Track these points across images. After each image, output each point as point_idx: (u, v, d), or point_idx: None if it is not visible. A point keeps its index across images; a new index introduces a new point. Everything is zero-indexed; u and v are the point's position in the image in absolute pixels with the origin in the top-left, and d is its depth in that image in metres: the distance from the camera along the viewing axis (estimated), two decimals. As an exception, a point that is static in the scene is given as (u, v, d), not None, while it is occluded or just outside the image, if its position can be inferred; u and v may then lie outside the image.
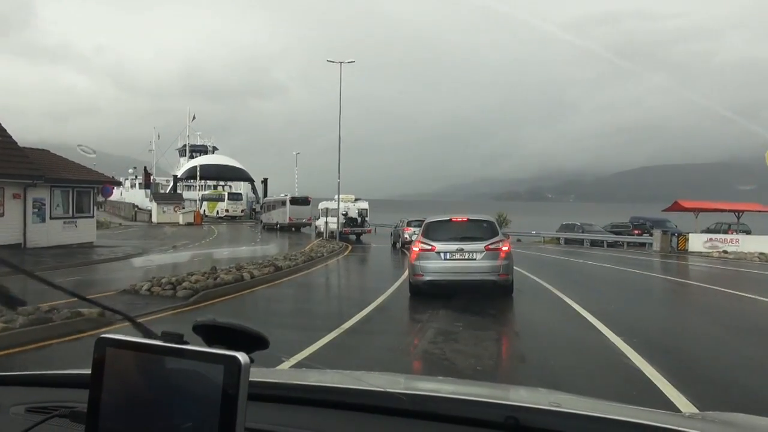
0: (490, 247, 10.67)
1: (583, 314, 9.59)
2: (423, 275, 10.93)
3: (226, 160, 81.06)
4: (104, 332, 0.95)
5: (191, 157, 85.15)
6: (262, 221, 53.65)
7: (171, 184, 77.53)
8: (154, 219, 63.18)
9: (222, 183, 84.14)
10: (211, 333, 0.92)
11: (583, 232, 36.93)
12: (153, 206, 65.76)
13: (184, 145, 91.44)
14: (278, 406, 1.30)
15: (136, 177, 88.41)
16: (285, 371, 2.15)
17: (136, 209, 72.77)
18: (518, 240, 41.54)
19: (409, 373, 6.02)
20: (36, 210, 23.64)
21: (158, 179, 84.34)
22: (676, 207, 32.95)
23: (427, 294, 11.39)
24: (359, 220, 33.14)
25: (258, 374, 1.00)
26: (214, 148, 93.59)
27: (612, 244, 35.10)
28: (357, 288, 15.53)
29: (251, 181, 79.39)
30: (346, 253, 26.56)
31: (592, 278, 17.77)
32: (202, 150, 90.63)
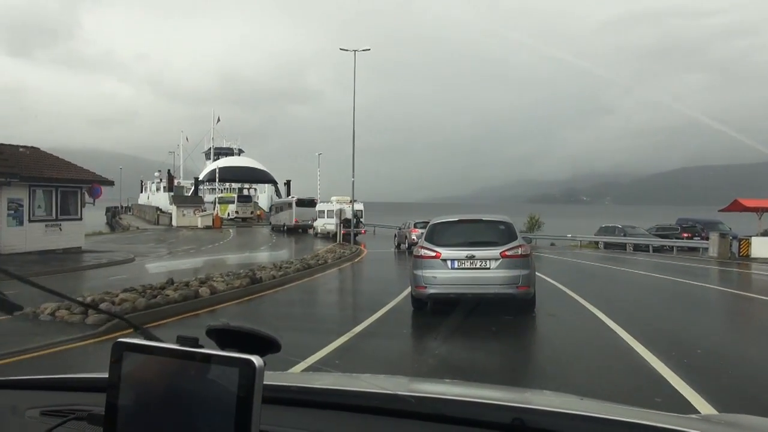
0: (507, 253, 9.02)
1: (651, 363, 6.36)
2: (426, 287, 9.22)
3: (247, 161, 79.58)
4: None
5: (216, 159, 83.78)
6: (270, 223, 54.06)
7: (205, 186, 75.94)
8: (174, 222, 61.77)
9: (247, 185, 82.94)
10: (224, 337, 0.93)
11: (625, 236, 33.24)
12: (173, 209, 64.36)
13: (216, 148, 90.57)
14: (289, 409, 1.29)
15: (161, 180, 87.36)
16: (295, 374, 1.93)
17: (158, 213, 71.43)
18: (552, 244, 38.12)
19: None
20: (12, 212, 21.35)
21: (183, 182, 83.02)
22: (735, 206, 29.09)
23: (430, 315, 9.53)
24: (354, 221, 31.92)
25: (269, 377, 0.94)
26: (240, 151, 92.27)
27: (658, 249, 31.37)
28: (335, 312, 11.85)
29: (274, 182, 77.75)
30: (356, 260, 23.64)
31: (650, 295, 13.95)
32: (228, 152, 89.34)
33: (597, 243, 34.78)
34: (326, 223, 38.97)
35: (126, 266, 20.94)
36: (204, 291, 10.77)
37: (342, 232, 31.60)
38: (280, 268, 15.89)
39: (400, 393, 1.29)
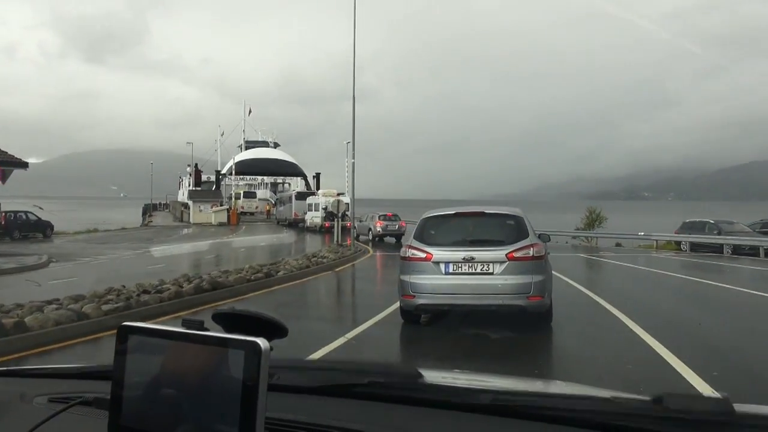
0: (515, 254, 7.33)
1: None
2: (414, 297, 7.61)
3: (273, 153, 74.61)
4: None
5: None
6: (276, 218, 53.29)
7: (226, 181, 70.46)
8: (191, 218, 56.69)
9: (280, 179, 78.41)
10: (231, 322, 0.92)
11: (719, 234, 24.88)
12: (190, 205, 59.22)
13: (247, 141, 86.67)
14: (302, 397, 1.28)
15: (190, 175, 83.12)
16: (308, 361, 1.87)
17: (182, 209, 66.82)
18: (617, 244, 30.03)
19: None
20: None
21: (214, 177, 78.24)
22: None
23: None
24: (340, 214, 28.06)
25: (280, 363, 0.96)
26: (276, 144, 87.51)
27: (769, 253, 22.99)
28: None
29: (303, 176, 72.14)
30: (338, 269, 16.66)
31: None
32: (263, 146, 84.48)
33: (679, 244, 26.56)
34: (313, 217, 38.86)
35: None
36: None
37: (326, 225, 29.82)
38: (125, 297, 9.02)
39: (413, 380, 1.28)
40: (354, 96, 22.40)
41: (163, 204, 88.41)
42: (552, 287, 7.85)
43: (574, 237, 31.18)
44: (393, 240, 29.45)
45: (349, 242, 22.62)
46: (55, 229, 37.24)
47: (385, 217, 29.82)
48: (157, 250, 24.60)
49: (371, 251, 23.73)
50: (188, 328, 0.89)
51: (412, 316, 8.06)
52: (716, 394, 1.08)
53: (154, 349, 0.90)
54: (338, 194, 34.72)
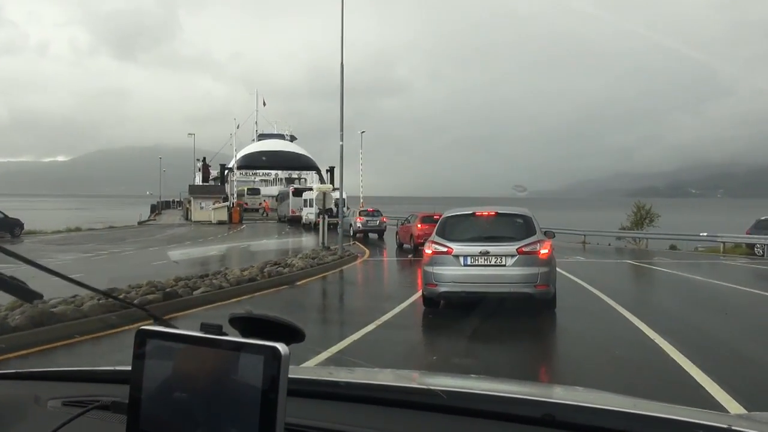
0: (524, 249, 8.37)
1: None
2: (437, 285, 8.66)
3: (285, 145, 70.42)
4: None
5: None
6: (278, 215, 51.83)
7: (232, 176, 66.33)
8: (192, 216, 52.80)
9: (296, 174, 74.80)
10: (247, 326, 0.92)
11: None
12: (191, 201, 55.33)
13: (260, 134, 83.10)
14: (316, 402, 1.27)
15: (199, 170, 79.64)
16: (320, 368, 1.89)
17: (188, 206, 62.99)
18: (671, 247, 24.92)
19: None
20: None
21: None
22: None
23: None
24: (334, 210, 26.26)
25: (292, 371, 0.94)
26: (293, 137, 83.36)
27: None
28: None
29: (317, 169, 67.79)
30: (299, 283, 12.14)
31: None
32: (278, 139, 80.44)
33: (752, 247, 21.40)
34: (308, 213, 37.33)
35: None
36: None
37: (318, 221, 27.17)
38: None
39: (430, 387, 1.29)
40: (342, 80, 17.96)
41: (177, 201, 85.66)
42: (556, 277, 8.78)
43: (618, 238, 26.18)
44: (375, 236, 28.69)
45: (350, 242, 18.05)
46: (32, 228, 33.82)
47: (365, 213, 28.68)
48: (110, 254, 20.43)
49: (366, 255, 19.13)
50: (207, 333, 0.88)
51: (433, 302, 9.04)
52: None
53: (172, 353, 0.89)
54: (334, 189, 31.21)
